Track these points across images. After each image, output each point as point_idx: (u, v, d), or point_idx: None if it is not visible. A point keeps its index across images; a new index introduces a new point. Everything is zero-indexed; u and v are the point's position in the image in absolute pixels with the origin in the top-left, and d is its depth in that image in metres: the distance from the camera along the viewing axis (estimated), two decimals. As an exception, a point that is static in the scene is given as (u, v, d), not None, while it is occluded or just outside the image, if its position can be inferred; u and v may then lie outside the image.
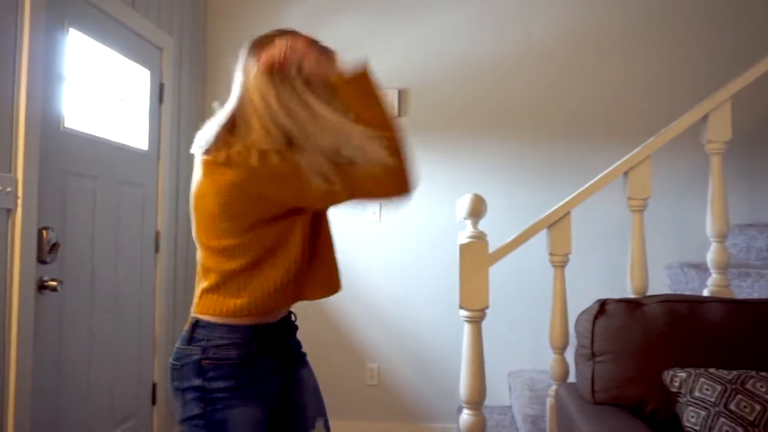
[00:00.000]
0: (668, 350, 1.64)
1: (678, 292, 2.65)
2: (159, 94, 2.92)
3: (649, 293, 2.00)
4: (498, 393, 3.12)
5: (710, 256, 2.05)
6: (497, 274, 3.10)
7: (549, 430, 2.04)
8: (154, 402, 2.89)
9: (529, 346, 3.14)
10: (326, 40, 3.42)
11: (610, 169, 2.06)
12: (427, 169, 3.22)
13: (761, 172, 3.02)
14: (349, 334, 3.24)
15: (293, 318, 1.46)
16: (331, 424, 3.18)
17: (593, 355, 1.72)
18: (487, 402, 3.13)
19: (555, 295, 2.05)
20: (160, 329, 2.91)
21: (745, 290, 2.19)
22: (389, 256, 3.23)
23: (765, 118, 3.01)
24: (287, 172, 1.19)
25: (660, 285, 2.96)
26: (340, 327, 3.24)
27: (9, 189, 1.93)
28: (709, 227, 2.05)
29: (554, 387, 2.03)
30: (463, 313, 2.05)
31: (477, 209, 2.05)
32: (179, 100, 3.10)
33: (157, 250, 2.92)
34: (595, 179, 2.06)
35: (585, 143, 3.10)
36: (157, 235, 2.92)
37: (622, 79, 3.11)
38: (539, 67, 3.17)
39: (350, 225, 3.25)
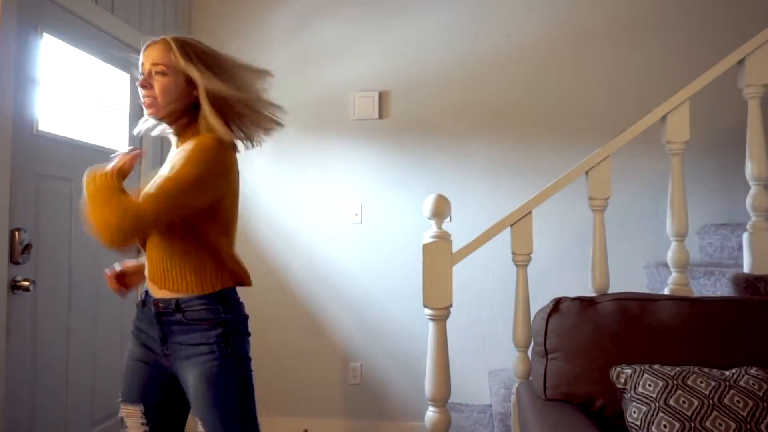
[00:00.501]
0: (618, 347, 1.66)
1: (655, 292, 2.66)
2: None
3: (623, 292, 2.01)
4: (479, 392, 3.14)
5: (670, 255, 2.06)
6: (479, 274, 3.13)
7: (512, 427, 2.06)
8: (135, 400, 2.93)
9: (509, 346, 3.15)
10: (309, 43, 3.46)
11: (571, 169, 2.08)
12: (408, 170, 3.25)
13: (738, 171, 3.02)
14: (332, 333, 3.27)
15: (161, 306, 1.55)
16: (315, 422, 3.24)
17: (546, 352, 1.74)
18: (469, 401, 3.17)
19: (518, 294, 2.07)
20: (142, 329, 2.95)
21: (709, 288, 2.20)
22: (371, 256, 3.26)
23: (742, 118, 3.01)
24: None
25: (640, 284, 2.97)
26: (323, 327, 3.27)
27: (-21, 191, 1.98)
28: (669, 227, 2.07)
29: (516, 384, 2.05)
30: (427, 311, 2.07)
31: (441, 209, 2.08)
32: (161, 103, 3.14)
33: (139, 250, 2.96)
34: (557, 179, 2.08)
35: (565, 143, 3.11)
36: (139, 236, 2.96)
37: (600, 80, 3.12)
38: (518, 68, 3.19)
39: (331, 226, 3.28)
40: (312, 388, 3.27)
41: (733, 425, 1.38)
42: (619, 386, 1.56)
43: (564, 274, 3.02)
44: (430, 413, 2.07)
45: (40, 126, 2.30)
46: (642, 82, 3.08)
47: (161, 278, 1.51)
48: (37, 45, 2.29)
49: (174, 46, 1.49)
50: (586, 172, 2.07)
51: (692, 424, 1.39)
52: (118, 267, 1.69)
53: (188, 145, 1.48)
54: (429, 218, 2.11)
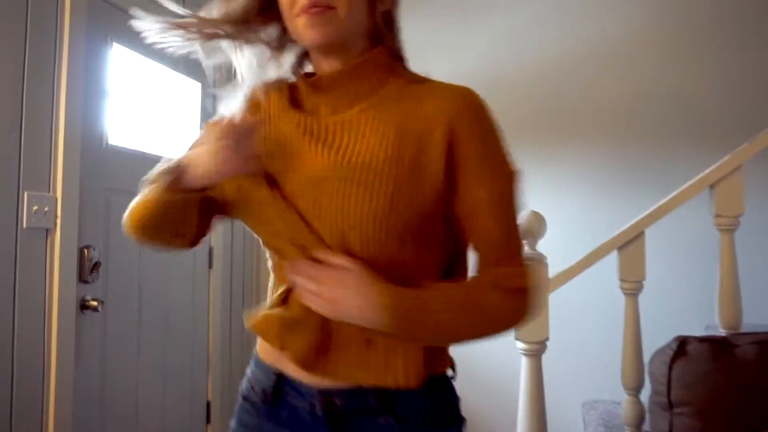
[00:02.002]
0: (764, 404, 1.36)
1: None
2: (213, 105, 2.87)
3: (751, 329, 1.70)
4: (569, 426, 2.85)
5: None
6: (568, 295, 2.83)
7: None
8: (208, 421, 2.83)
9: (605, 374, 2.83)
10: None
11: (692, 181, 1.77)
12: (491, 179, 2.99)
13: None
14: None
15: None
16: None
17: (670, 405, 1.46)
18: (558, 428, 2.87)
19: (626, 328, 1.79)
20: (214, 347, 2.85)
21: None
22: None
23: None
24: None
25: None
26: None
27: (47, 209, 1.90)
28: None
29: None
30: (520, 345, 1.82)
31: (535, 228, 1.82)
32: (234, 112, 3.04)
33: (210, 266, 2.87)
34: (674, 194, 1.78)
35: (669, 153, 2.75)
36: (211, 251, 2.87)
37: (715, 77, 2.74)
38: (615, 65, 2.86)
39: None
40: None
41: None
42: (770, 455, 1.27)
43: (672, 304, 2.67)
44: (524, 461, 1.82)
45: (110, 139, 2.22)
46: (763, 81, 2.68)
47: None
48: (107, 55, 2.21)
49: None
50: (711, 186, 1.76)
51: None
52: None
53: (463, 106, 0.91)
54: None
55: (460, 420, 0.99)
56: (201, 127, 2.75)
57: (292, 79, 0.99)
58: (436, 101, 0.90)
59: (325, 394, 0.88)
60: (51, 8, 1.94)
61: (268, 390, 0.93)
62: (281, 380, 0.92)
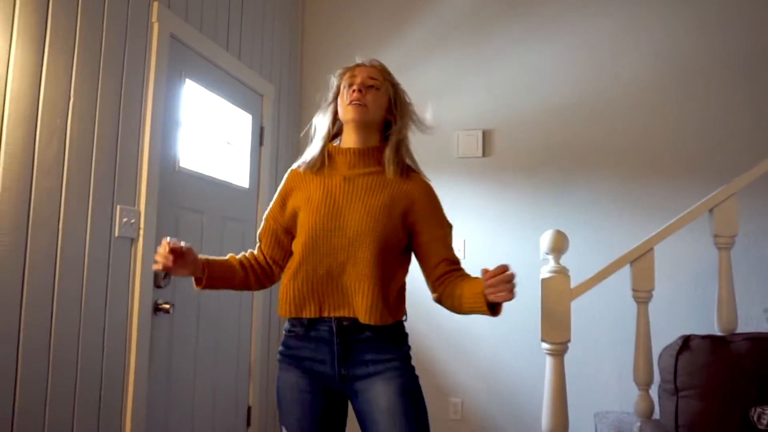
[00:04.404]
0: (756, 388, 1.62)
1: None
2: (260, 136, 3.18)
3: (756, 332, 1.96)
4: (583, 429, 3.07)
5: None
6: (583, 313, 3.10)
7: (633, 468, 2.02)
8: (248, 424, 3.06)
9: (616, 387, 3.08)
10: (415, 83, 3.62)
11: (694, 206, 2.06)
12: (510, 207, 3.29)
13: None
14: (433, 369, 3.31)
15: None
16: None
17: (677, 390, 1.72)
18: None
19: (638, 331, 2.05)
20: (255, 358, 3.10)
21: None
22: (472, 291, 3.29)
23: None
24: None
25: (759, 329, 2.85)
26: (425, 362, 3.31)
27: (133, 221, 2.20)
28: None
29: (638, 423, 2.01)
30: (545, 345, 2.09)
31: (559, 244, 2.11)
32: (277, 142, 3.36)
33: (254, 280, 3.13)
34: (680, 216, 2.07)
35: (671, 183, 3.06)
36: (255, 266, 3.14)
37: (713, 118, 3.06)
38: (627, 107, 3.18)
39: (434, 260, 3.35)
40: (412, 421, 3.30)
41: None
42: (761, 428, 1.52)
43: (678, 315, 2.94)
44: (548, 449, 2.06)
45: (181, 162, 2.52)
46: (758, 120, 3.00)
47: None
48: (181, 90, 2.53)
49: (386, 74, 1.66)
50: (711, 210, 2.05)
51: None
52: (183, 244, 1.52)
53: (424, 190, 1.61)
54: (546, 253, 2.14)
55: (407, 343, 1.61)
56: (249, 154, 3.07)
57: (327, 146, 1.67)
58: (411, 185, 1.60)
59: (337, 320, 1.51)
60: (141, 49, 2.26)
61: (305, 324, 1.54)
62: (312, 320, 1.54)
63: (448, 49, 3.48)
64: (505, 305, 3.17)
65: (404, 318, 1.63)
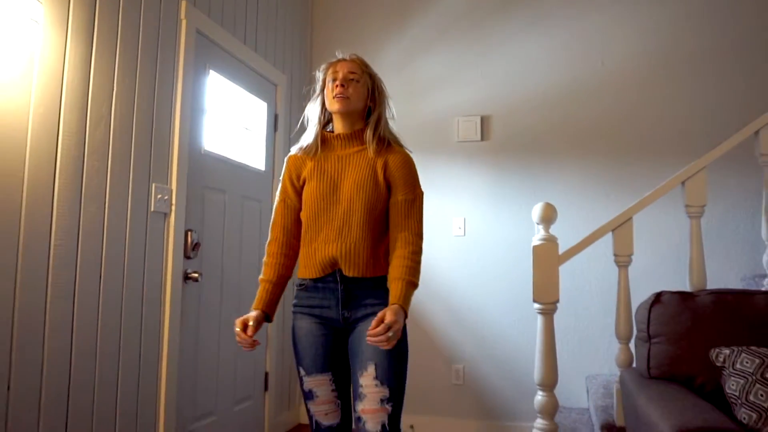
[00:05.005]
0: (716, 333, 1.87)
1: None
2: (274, 123, 3.43)
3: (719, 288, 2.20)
4: (577, 396, 3.33)
5: (765, 258, 2.24)
6: (575, 287, 3.35)
7: (616, 412, 2.27)
8: (266, 389, 3.33)
9: (606, 353, 3.33)
10: (418, 74, 3.84)
11: (668, 179, 2.31)
12: (507, 186, 3.54)
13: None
14: (436, 337, 3.57)
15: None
16: (421, 419, 3.52)
17: (649, 337, 1.97)
18: (567, 404, 3.36)
19: (619, 291, 2.30)
20: (272, 327, 3.36)
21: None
22: (473, 266, 3.55)
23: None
24: None
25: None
26: (428, 330, 3.57)
27: (166, 197, 2.45)
28: (764, 232, 2.25)
29: (619, 373, 2.26)
30: (537, 306, 2.34)
31: (548, 215, 2.36)
32: (290, 128, 3.60)
33: (270, 256, 3.39)
34: (655, 189, 2.31)
35: (654, 161, 3.30)
36: (271, 243, 3.39)
37: (689, 101, 3.31)
38: (612, 92, 3.43)
39: (437, 239, 3.60)
40: (417, 387, 3.56)
41: (825, 395, 1.57)
42: (718, 364, 1.77)
43: (658, 282, 3.19)
44: (539, 397, 2.32)
45: (205, 146, 2.77)
46: (734, 103, 3.24)
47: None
48: (206, 80, 2.77)
49: (364, 67, 1.89)
50: (683, 182, 2.29)
51: (786, 393, 1.59)
52: (250, 323, 1.76)
53: (399, 159, 1.82)
54: (537, 223, 2.39)
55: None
56: (264, 139, 3.31)
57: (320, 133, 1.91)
58: (390, 156, 1.83)
59: (340, 273, 1.76)
60: (171, 43, 2.51)
61: (315, 278, 1.79)
62: (319, 277, 1.79)
63: (449, 42, 3.72)
64: (504, 277, 3.48)
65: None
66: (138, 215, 2.30)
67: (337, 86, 1.80)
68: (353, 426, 1.74)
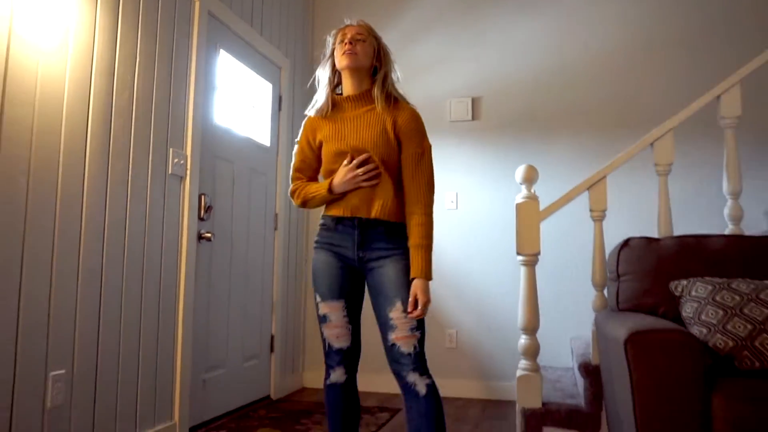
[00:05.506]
0: (677, 269, 2.11)
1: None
2: (278, 103, 3.67)
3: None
4: (562, 357, 3.56)
5: (726, 211, 2.48)
6: (561, 258, 3.59)
7: (592, 352, 2.51)
8: (272, 350, 3.55)
9: (589, 317, 3.56)
10: (413, 57, 4.07)
11: (639, 141, 2.54)
12: (497, 163, 3.77)
13: None
14: (432, 305, 3.78)
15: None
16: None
17: (618, 276, 2.20)
18: (552, 363, 3.59)
19: (595, 242, 2.54)
20: (277, 293, 3.60)
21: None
22: (465, 237, 3.78)
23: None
24: None
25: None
26: (423, 298, 3.80)
27: (182, 162, 2.68)
28: (725, 186, 2.49)
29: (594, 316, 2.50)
30: (520, 258, 2.57)
31: (530, 175, 2.59)
32: (293, 109, 3.84)
33: (275, 228, 3.63)
34: (626, 150, 2.55)
35: (634, 135, 3.55)
36: (276, 216, 3.63)
37: (664, 80, 3.57)
38: (595, 74, 3.68)
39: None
40: (414, 351, 3.78)
41: (766, 311, 1.80)
42: (677, 294, 2.01)
43: (624, 228, 3.41)
44: (522, 340, 2.55)
45: (215, 120, 3.01)
46: (701, 80, 3.48)
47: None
48: (216, 59, 3.01)
49: (371, 30, 2.07)
50: (652, 144, 2.53)
51: (732, 311, 1.82)
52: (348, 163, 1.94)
53: (407, 116, 1.96)
54: (520, 183, 2.62)
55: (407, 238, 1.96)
56: (269, 116, 3.54)
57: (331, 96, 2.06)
58: (398, 112, 1.96)
59: (357, 219, 1.92)
60: (186, 23, 2.75)
61: (335, 220, 1.96)
62: (340, 218, 1.95)
63: (443, 26, 3.97)
64: (494, 248, 3.70)
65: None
66: (158, 176, 2.54)
67: (346, 44, 1.98)
68: (387, 354, 1.93)
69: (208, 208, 2.86)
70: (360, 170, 1.91)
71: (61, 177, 2.05)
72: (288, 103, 3.76)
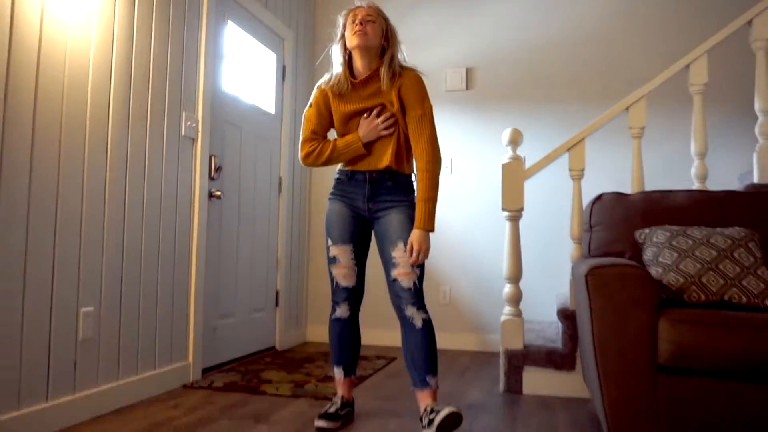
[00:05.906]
0: (642, 220, 2.33)
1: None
2: (282, 73, 3.88)
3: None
4: (549, 312, 3.81)
5: (693, 171, 2.70)
6: (549, 220, 3.81)
7: (570, 298, 2.75)
8: (277, 304, 3.81)
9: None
10: (411, 29, 4.25)
11: (614, 106, 2.76)
12: (490, 130, 3.99)
13: None
14: (427, 262, 4.03)
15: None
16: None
17: (591, 226, 2.43)
18: (539, 317, 3.84)
19: (574, 199, 2.77)
20: (281, 251, 3.84)
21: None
22: (459, 200, 4.01)
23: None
24: None
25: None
26: (419, 258, 4.04)
27: (194, 125, 2.91)
28: (693, 147, 2.70)
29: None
30: (505, 213, 2.80)
31: (515, 138, 2.81)
32: (296, 79, 4.05)
33: (279, 191, 3.86)
34: (603, 114, 2.76)
35: (615, 103, 3.74)
36: (280, 180, 3.86)
37: (642, 54, 3.75)
38: (580, 47, 3.87)
39: (427, 176, 4.06)
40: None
41: (714, 253, 2.03)
42: (640, 241, 2.24)
43: (600, 186, 3.64)
44: (507, 289, 2.80)
45: (223, 86, 3.22)
46: (675, 53, 3.66)
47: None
48: (224, 30, 3.21)
49: (380, 11, 2.25)
50: (627, 108, 2.74)
51: (685, 253, 2.06)
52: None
53: (408, 80, 2.17)
54: (506, 145, 2.84)
55: (414, 193, 2.21)
56: (274, 85, 3.75)
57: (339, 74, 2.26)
58: (402, 79, 2.19)
59: (369, 173, 2.19)
60: (196, 1, 2.96)
61: (348, 174, 2.23)
62: (353, 171, 2.22)
63: (437, 1, 4.14)
64: (486, 210, 3.93)
65: (412, 174, 2.30)
66: (172, 137, 2.76)
67: (357, 24, 2.14)
68: (390, 290, 2.17)
69: (217, 169, 3.09)
70: (380, 119, 2.16)
71: (88, 138, 2.28)
72: (291, 72, 3.97)
